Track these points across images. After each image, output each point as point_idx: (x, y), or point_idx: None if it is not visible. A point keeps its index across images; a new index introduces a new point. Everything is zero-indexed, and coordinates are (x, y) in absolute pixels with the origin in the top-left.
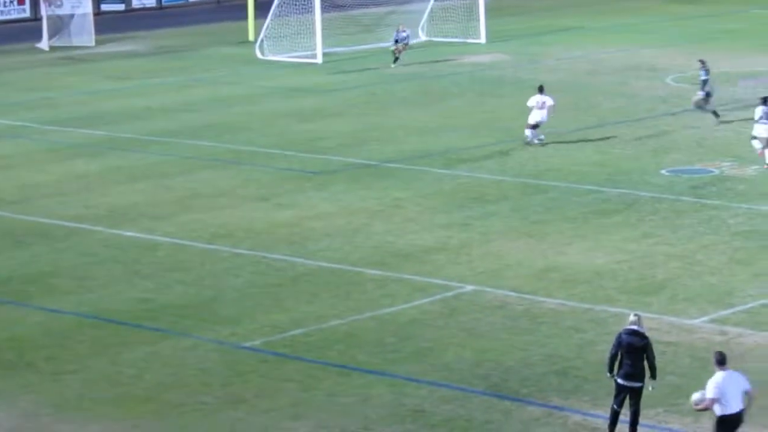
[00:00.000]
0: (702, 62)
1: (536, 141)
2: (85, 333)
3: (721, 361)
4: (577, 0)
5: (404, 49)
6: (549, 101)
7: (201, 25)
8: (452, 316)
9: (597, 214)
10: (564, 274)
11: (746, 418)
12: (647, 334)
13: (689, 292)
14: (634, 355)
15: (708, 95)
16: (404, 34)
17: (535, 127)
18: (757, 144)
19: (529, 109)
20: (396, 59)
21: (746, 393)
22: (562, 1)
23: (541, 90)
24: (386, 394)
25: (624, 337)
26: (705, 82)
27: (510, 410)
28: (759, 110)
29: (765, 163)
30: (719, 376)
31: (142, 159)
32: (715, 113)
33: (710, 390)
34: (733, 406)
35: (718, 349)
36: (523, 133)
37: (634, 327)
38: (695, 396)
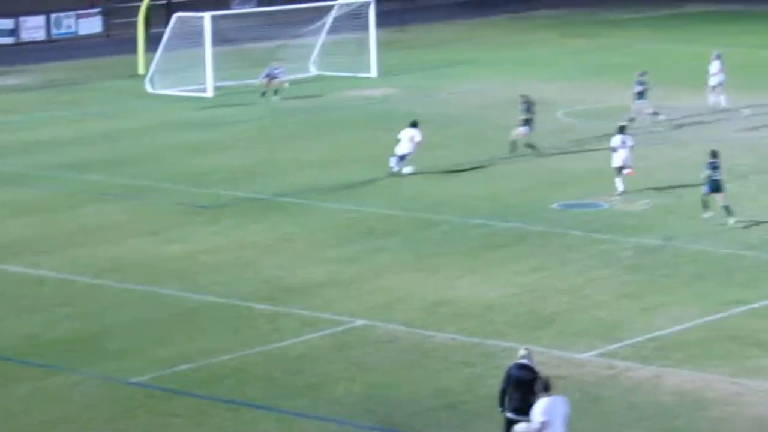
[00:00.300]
0: (523, 97)
1: (403, 171)
2: None
3: (547, 387)
4: (469, 34)
5: (280, 85)
6: (417, 137)
7: (91, 58)
8: (342, 351)
9: (487, 247)
10: (455, 308)
11: None
12: (537, 368)
13: (578, 326)
14: (523, 389)
15: (527, 127)
16: (278, 70)
17: (402, 158)
18: (618, 183)
19: (398, 141)
20: (263, 93)
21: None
22: (454, 35)
23: (414, 125)
24: (274, 429)
25: (513, 371)
26: (528, 119)
27: None
28: (616, 139)
29: (616, 192)
30: (545, 401)
31: (29, 193)
32: (532, 147)
33: (538, 414)
34: (556, 430)
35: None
36: (391, 163)
37: (524, 361)
38: (519, 427)
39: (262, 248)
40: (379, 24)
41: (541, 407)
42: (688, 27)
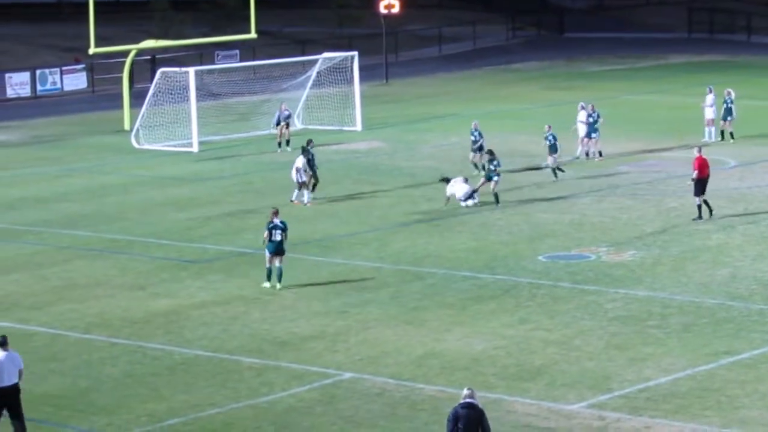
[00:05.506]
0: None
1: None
2: None
3: (2, 343)
4: (452, 88)
5: (287, 129)
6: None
7: (76, 114)
8: (331, 404)
9: (475, 300)
10: (442, 360)
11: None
12: (480, 406)
13: (567, 377)
14: (470, 428)
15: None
16: (287, 113)
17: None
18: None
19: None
20: (280, 144)
21: (20, 370)
22: (437, 89)
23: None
24: None
25: (459, 410)
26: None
27: None
28: (299, 160)
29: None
30: None
31: (16, 249)
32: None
33: None
34: (7, 380)
35: None
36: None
37: (469, 400)
38: None
39: (248, 302)
40: (363, 78)
41: None
42: (671, 78)
